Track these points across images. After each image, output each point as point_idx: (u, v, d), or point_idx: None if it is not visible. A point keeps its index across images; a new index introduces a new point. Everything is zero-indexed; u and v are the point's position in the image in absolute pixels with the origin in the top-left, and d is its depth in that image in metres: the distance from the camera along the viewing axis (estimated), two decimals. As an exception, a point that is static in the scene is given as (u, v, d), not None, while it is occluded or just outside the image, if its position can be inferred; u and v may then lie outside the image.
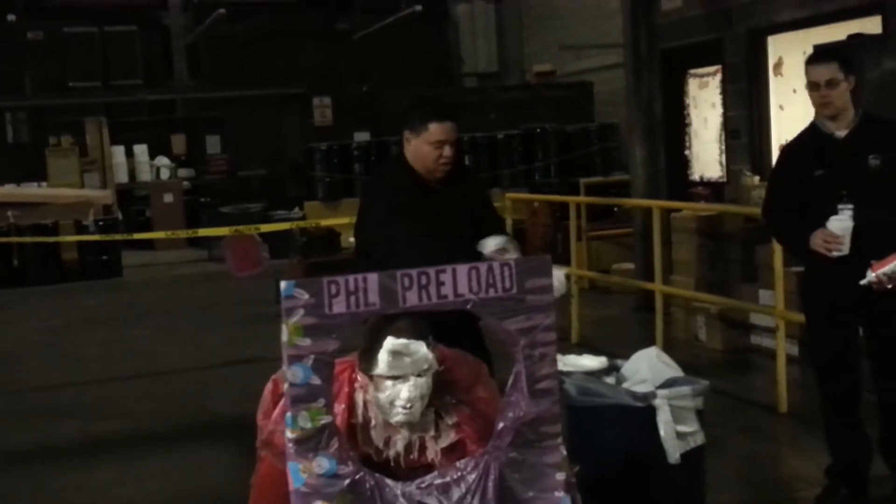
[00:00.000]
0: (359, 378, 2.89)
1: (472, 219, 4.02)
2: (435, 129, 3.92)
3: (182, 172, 18.14)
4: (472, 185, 4.24)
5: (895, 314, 4.19)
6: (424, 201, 3.95)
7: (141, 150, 17.81)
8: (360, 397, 2.89)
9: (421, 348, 2.79)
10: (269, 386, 2.99)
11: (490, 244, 3.83)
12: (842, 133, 4.23)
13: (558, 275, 3.49)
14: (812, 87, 4.20)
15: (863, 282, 3.98)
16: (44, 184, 15.82)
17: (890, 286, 3.93)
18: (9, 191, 14.95)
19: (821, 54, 4.39)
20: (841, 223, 4.08)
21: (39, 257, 13.30)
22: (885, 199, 4.10)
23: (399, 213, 3.84)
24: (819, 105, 4.22)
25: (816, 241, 4.12)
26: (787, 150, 4.51)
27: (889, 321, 4.22)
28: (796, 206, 4.27)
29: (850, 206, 4.09)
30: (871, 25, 8.22)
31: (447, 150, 3.95)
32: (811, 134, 4.35)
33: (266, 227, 10.50)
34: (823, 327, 4.36)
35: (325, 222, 11.15)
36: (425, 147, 3.93)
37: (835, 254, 4.09)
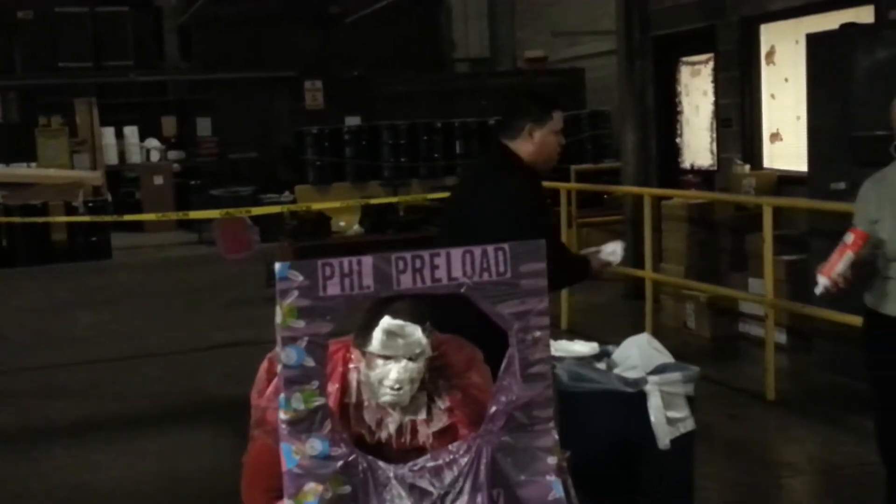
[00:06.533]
0: (353, 358, 2.90)
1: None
2: (558, 117, 3.83)
3: (172, 154, 18.10)
4: None
5: None
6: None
7: (131, 131, 17.76)
8: (353, 377, 2.90)
9: (416, 332, 2.79)
10: (264, 364, 2.97)
11: None
12: None
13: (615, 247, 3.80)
14: None
15: (818, 290, 3.44)
16: (33, 164, 15.75)
17: (843, 286, 3.42)
18: (-2, 171, 14.91)
19: None
20: None
21: (28, 238, 13.27)
22: None
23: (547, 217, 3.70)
24: None
25: None
26: None
27: None
28: None
29: None
30: (865, 14, 8.22)
31: (562, 138, 3.88)
32: None
33: (257, 211, 10.50)
34: None
35: (315, 206, 11.11)
36: (551, 136, 3.80)
37: None
